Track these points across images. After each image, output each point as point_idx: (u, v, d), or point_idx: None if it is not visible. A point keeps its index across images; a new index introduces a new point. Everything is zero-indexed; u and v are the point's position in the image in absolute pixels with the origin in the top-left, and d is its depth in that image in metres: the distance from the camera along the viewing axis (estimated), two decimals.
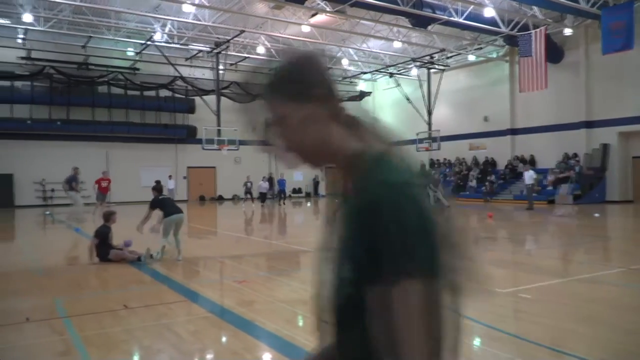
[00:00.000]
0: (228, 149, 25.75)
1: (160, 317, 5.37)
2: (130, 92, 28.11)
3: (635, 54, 19.06)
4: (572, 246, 11.13)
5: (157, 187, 9.25)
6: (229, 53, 26.21)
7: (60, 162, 24.90)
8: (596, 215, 16.31)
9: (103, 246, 8.70)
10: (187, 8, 20.27)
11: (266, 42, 26.27)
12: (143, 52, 26.43)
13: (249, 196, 25.27)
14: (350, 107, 1.12)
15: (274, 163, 32.67)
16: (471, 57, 27.78)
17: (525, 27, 22.20)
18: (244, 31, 23.10)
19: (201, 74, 29.30)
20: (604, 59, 20.25)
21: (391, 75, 31.30)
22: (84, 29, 23.53)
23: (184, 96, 28.96)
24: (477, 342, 4.56)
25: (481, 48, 26.99)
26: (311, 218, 18.79)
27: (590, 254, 9.86)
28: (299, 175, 29.73)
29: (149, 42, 24.91)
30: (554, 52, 22.93)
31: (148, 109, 28.76)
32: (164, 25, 24.00)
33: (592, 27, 21.77)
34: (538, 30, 21.18)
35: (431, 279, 0.91)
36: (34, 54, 25.47)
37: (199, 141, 26.01)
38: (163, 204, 8.92)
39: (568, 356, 4.00)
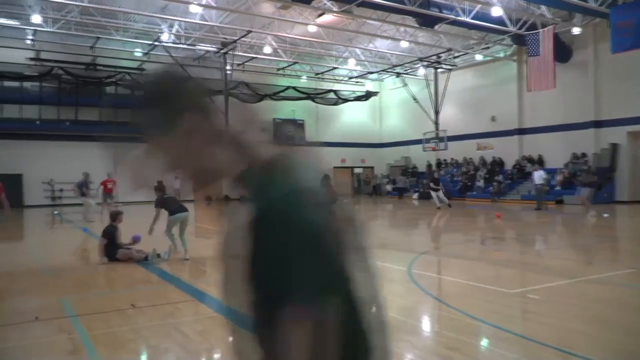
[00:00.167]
0: None
1: (168, 317, 5.39)
2: (137, 93, 28.19)
3: None
4: (580, 247, 11.06)
5: (160, 187, 9.24)
6: (236, 53, 26.25)
7: (68, 162, 25.08)
8: (605, 215, 16.18)
9: (111, 246, 8.76)
10: (194, 9, 20.34)
11: (273, 42, 26.30)
12: (150, 52, 26.54)
13: None
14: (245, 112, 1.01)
15: None
16: (478, 57, 27.65)
17: (533, 27, 22.06)
18: (250, 31, 23.13)
19: (208, 74, 29.32)
20: (613, 58, 20.08)
21: (398, 75, 31.23)
22: (91, 29, 23.66)
23: None
24: (484, 342, 4.55)
25: (488, 47, 26.86)
26: None
27: (599, 255, 9.78)
28: None
29: (156, 43, 25.01)
30: (562, 51, 22.77)
31: None
32: (171, 26, 24.08)
33: (600, 26, 21.61)
34: (546, 29, 21.04)
35: (323, 297, 0.84)
36: (42, 55, 25.66)
37: None
38: (167, 202, 8.98)
39: (576, 357, 3.97)
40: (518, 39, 23.31)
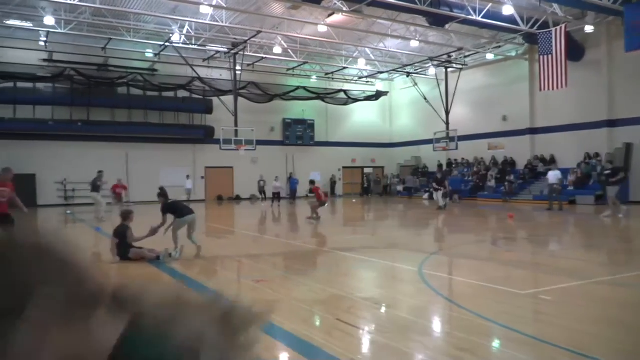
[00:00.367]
0: (245, 149, 25.94)
1: None
2: (149, 93, 28.47)
3: None
4: (594, 248, 10.94)
5: (163, 193, 9.41)
6: (246, 54, 26.34)
7: (81, 162, 25.38)
8: (620, 216, 15.99)
9: (123, 245, 8.82)
10: (204, 9, 20.45)
11: (283, 43, 26.36)
12: (161, 53, 26.76)
13: (263, 195, 26.43)
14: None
15: (291, 163, 32.81)
16: (490, 56, 27.48)
17: (545, 25, 21.86)
18: (260, 32, 23.21)
19: (218, 74, 29.51)
20: (626, 56, 19.84)
21: (408, 74, 31.13)
22: (103, 31, 23.88)
23: (201, 97, 29.21)
24: (495, 343, 4.52)
25: (500, 46, 26.68)
26: (327, 218, 18.78)
27: (612, 256, 9.68)
28: (317, 175, 29.76)
29: (167, 44, 25.19)
30: (575, 50, 22.55)
31: (166, 110, 29.08)
32: (181, 27, 24.23)
33: (614, 24, 21.37)
34: (558, 27, 20.83)
35: None
36: (55, 56, 25.96)
37: (217, 141, 26.20)
38: (174, 207, 9.06)
39: (587, 359, 3.93)
40: (530, 38, 23.12)
